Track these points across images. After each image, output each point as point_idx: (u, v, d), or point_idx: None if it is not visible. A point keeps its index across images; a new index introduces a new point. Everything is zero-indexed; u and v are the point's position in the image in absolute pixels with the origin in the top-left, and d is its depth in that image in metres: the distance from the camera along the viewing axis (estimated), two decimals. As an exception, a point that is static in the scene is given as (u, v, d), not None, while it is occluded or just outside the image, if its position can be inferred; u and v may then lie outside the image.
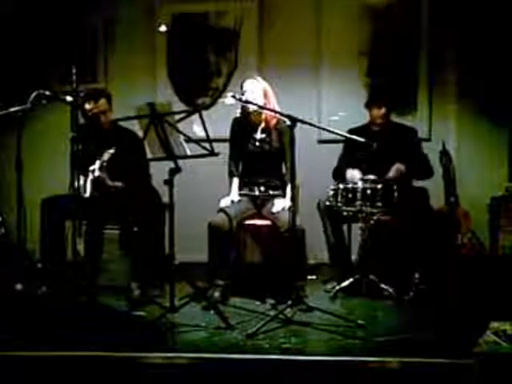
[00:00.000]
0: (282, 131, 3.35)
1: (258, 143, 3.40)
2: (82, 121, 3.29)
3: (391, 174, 3.42)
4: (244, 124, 3.43)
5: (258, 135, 3.41)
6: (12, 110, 2.98)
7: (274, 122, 3.37)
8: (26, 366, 2.32)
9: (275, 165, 3.42)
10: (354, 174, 3.40)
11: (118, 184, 3.31)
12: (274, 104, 3.34)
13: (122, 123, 3.33)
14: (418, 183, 3.61)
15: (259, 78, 3.40)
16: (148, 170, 3.40)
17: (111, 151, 3.20)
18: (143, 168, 3.34)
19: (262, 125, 3.39)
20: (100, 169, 3.23)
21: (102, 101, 3.34)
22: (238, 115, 3.40)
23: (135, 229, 3.27)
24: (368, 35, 4.23)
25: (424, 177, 3.57)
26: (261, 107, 3.24)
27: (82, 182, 3.23)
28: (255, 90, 3.29)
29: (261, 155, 3.40)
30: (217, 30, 4.36)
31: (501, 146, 4.10)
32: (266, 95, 3.30)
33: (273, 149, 3.38)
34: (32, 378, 2.31)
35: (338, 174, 3.58)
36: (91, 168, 3.24)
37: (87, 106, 3.32)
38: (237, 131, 3.47)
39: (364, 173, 3.39)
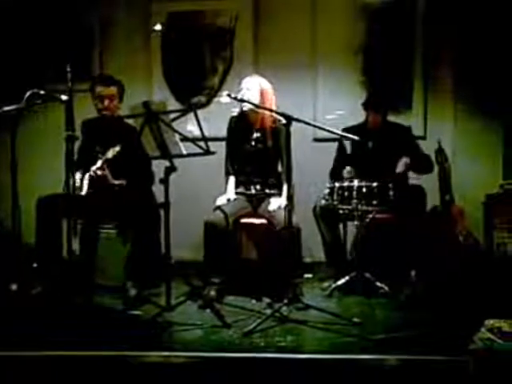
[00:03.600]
0: (278, 130, 3.35)
1: (254, 142, 3.41)
2: (78, 121, 3.29)
3: (399, 168, 3.42)
4: (241, 123, 3.43)
5: (255, 134, 3.40)
6: (6, 108, 2.97)
7: (270, 121, 3.37)
8: (22, 366, 2.32)
9: (271, 163, 3.42)
10: (349, 170, 3.40)
11: (122, 182, 3.31)
12: (271, 103, 3.33)
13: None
14: (414, 181, 3.62)
15: (258, 77, 3.40)
16: (151, 167, 3.40)
17: (117, 149, 3.19)
18: (148, 164, 3.34)
19: (259, 124, 3.39)
20: (101, 168, 3.22)
21: (112, 87, 3.37)
22: (235, 114, 3.40)
23: (131, 228, 3.26)
24: (363, 33, 4.23)
25: (426, 170, 3.58)
26: (255, 105, 3.23)
27: (78, 179, 3.22)
28: (252, 88, 3.29)
29: (257, 154, 3.40)
30: (212, 29, 4.36)
31: (495, 144, 4.11)
32: (262, 94, 3.29)
33: (269, 148, 3.38)
34: (28, 378, 2.30)
35: (335, 175, 3.57)
36: (93, 167, 3.23)
37: (97, 89, 3.37)
38: (234, 130, 3.46)
39: (360, 172, 3.39)
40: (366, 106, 3.64)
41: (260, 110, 3.29)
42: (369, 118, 3.63)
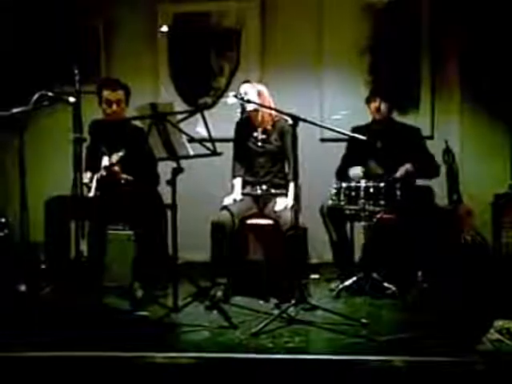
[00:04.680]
0: (283, 130, 3.36)
1: (259, 143, 3.41)
2: (87, 121, 3.31)
3: (398, 173, 3.40)
4: (246, 125, 3.44)
5: (260, 135, 3.41)
6: (15, 111, 2.98)
7: (274, 120, 3.38)
8: (26, 367, 2.33)
9: (278, 164, 3.42)
10: (356, 172, 3.39)
11: (130, 177, 3.32)
12: (270, 103, 3.35)
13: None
14: (422, 181, 3.60)
15: (253, 82, 3.42)
16: (157, 168, 3.41)
17: (120, 154, 3.19)
18: (154, 165, 3.35)
19: (264, 124, 3.40)
20: (108, 167, 3.23)
21: (119, 92, 3.37)
22: (240, 118, 3.41)
23: (138, 228, 3.27)
24: (370, 33, 4.22)
25: (431, 176, 3.56)
26: (262, 106, 3.24)
27: (86, 180, 3.24)
28: (249, 92, 3.29)
29: (263, 154, 3.41)
30: (219, 30, 4.36)
31: (504, 144, 4.09)
32: (260, 95, 3.31)
33: (274, 148, 3.39)
34: (33, 378, 2.31)
35: (342, 174, 3.57)
36: (102, 167, 3.24)
37: (104, 94, 3.37)
38: (240, 133, 3.48)
39: (368, 171, 3.38)
40: (368, 100, 3.61)
41: (264, 110, 3.30)
42: (371, 112, 3.58)
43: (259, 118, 3.38)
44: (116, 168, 3.25)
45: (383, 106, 3.55)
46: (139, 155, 3.16)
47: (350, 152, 3.68)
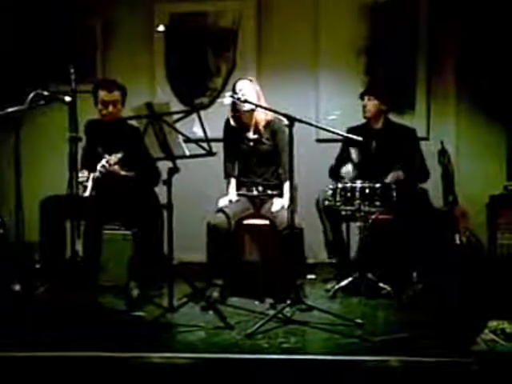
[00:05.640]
0: (276, 130, 3.34)
1: (252, 143, 3.38)
2: (81, 120, 3.30)
3: (389, 179, 3.38)
4: (238, 124, 3.40)
5: (252, 135, 3.39)
6: (10, 110, 2.97)
7: (264, 121, 3.36)
8: (24, 367, 2.33)
9: (272, 164, 3.41)
10: (348, 170, 3.39)
11: (130, 173, 3.31)
12: (264, 103, 3.34)
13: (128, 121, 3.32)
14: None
15: (253, 80, 3.40)
16: (156, 165, 3.37)
17: (119, 155, 3.18)
18: (153, 163, 3.32)
19: (255, 125, 3.38)
20: (106, 167, 3.22)
21: (116, 93, 3.35)
22: (231, 116, 3.39)
23: (134, 228, 3.26)
24: (366, 34, 4.23)
25: (420, 180, 3.57)
26: (261, 106, 3.23)
27: (82, 179, 3.23)
28: (248, 90, 3.26)
29: (256, 155, 3.39)
30: (215, 30, 4.36)
31: (499, 145, 4.10)
32: (258, 96, 3.29)
33: (267, 147, 3.37)
34: (31, 378, 2.31)
35: (334, 173, 3.57)
36: (99, 165, 3.23)
37: (100, 95, 3.34)
38: (230, 132, 3.45)
39: (362, 172, 3.39)
40: (361, 96, 3.61)
41: (260, 110, 3.29)
42: (363, 110, 3.57)
43: (253, 117, 3.36)
44: (115, 167, 3.24)
45: (370, 104, 3.55)
46: (137, 155, 3.15)
47: (345, 152, 3.68)
